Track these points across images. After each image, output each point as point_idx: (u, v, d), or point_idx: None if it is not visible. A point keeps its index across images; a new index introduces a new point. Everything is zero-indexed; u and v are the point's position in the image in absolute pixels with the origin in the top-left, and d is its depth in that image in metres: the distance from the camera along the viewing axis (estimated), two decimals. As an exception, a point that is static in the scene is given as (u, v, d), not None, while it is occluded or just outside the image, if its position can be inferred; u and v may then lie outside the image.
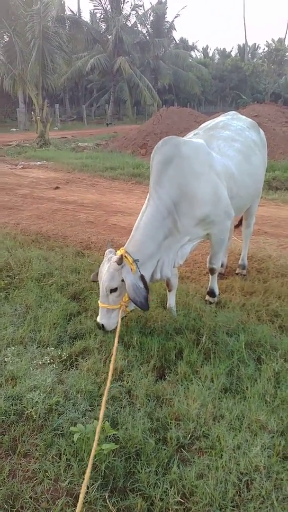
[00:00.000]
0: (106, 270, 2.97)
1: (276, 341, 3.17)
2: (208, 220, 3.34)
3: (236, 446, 2.19)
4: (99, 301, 3.06)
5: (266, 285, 4.18)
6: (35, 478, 2.08)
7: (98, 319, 3.07)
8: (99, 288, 3.09)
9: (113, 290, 2.98)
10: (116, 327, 2.99)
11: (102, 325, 3.04)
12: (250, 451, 2.14)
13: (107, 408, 2.48)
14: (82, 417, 2.38)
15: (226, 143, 3.70)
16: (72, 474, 2.05)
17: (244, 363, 2.91)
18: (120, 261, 2.93)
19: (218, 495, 1.93)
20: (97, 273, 3.11)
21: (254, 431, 2.31)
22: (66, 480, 2.02)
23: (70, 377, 2.75)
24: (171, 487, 2.00)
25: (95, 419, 2.31)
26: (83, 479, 2.02)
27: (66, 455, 2.13)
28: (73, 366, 2.94)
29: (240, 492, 1.97)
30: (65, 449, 2.16)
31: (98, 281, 3.11)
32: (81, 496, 1.69)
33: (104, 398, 2.23)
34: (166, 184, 3.12)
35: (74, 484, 2.02)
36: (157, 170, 3.14)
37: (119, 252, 3.03)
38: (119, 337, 3.16)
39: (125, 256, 2.98)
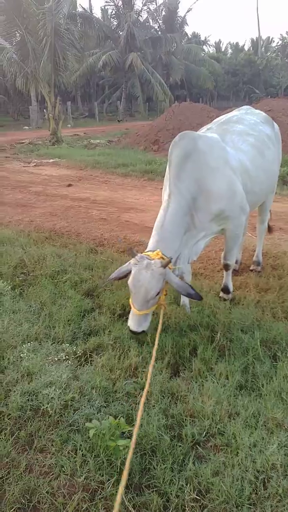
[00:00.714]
0: (150, 277, 2.75)
1: (292, 338, 3.13)
2: (223, 215, 3.31)
3: (252, 444, 2.17)
4: (136, 311, 2.84)
5: (281, 282, 4.13)
6: (51, 473, 2.09)
7: (135, 327, 2.87)
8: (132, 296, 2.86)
9: (156, 294, 2.87)
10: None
11: (142, 331, 2.90)
12: (266, 449, 2.12)
13: (121, 404, 2.49)
14: (97, 413, 2.39)
15: (240, 138, 3.67)
16: (88, 469, 2.06)
17: (260, 360, 2.88)
18: (166, 264, 2.82)
19: (234, 492, 1.92)
20: (105, 280, 2.99)
21: (270, 429, 2.29)
22: (82, 476, 2.03)
23: (85, 373, 2.76)
24: (186, 484, 1.99)
25: (110, 415, 2.31)
26: (99, 474, 2.03)
27: (82, 451, 2.14)
28: (88, 362, 2.95)
29: (256, 490, 1.95)
30: (80, 445, 2.17)
31: (104, 286, 3.06)
32: (118, 498, 1.64)
33: (142, 400, 2.14)
34: (186, 179, 3.09)
35: (90, 479, 2.02)
36: (176, 165, 3.11)
37: (154, 255, 2.86)
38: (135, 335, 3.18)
39: (162, 257, 2.88)
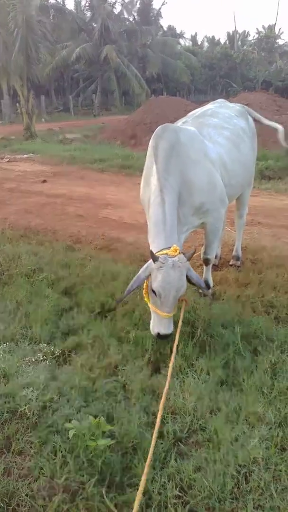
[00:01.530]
0: (179, 275, 2.72)
1: (272, 332, 3.15)
2: (204, 208, 3.30)
3: (234, 438, 2.18)
4: (166, 314, 2.76)
5: (261, 276, 4.16)
6: (30, 476, 2.04)
7: (167, 330, 2.80)
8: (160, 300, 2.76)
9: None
10: None
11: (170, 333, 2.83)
12: (248, 443, 2.13)
13: (102, 403, 2.45)
14: (77, 413, 2.34)
15: (216, 131, 3.67)
16: (68, 470, 2.02)
17: (240, 355, 2.90)
18: (191, 257, 2.80)
19: (216, 487, 1.92)
20: (122, 296, 2.89)
21: (251, 423, 2.31)
22: (62, 477, 1.99)
23: (63, 373, 2.71)
24: (169, 481, 1.98)
25: (90, 414, 2.28)
26: (80, 475, 2.00)
27: (61, 452, 2.10)
28: (67, 362, 2.90)
29: (239, 484, 1.96)
30: (60, 446, 2.13)
31: (123, 301, 2.99)
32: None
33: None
34: (172, 172, 3.04)
35: (71, 480, 1.99)
36: (164, 158, 3.05)
37: (172, 252, 2.76)
38: (115, 334, 3.15)
39: (180, 252, 2.81)
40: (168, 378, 2.32)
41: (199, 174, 3.22)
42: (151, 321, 2.93)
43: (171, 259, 2.72)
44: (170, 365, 2.42)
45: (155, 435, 1.99)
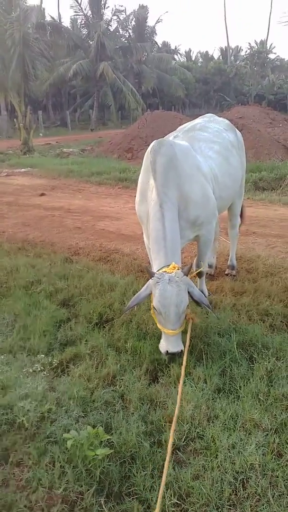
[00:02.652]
0: (177, 290, 2.70)
1: (268, 339, 3.18)
2: (199, 221, 3.33)
3: (231, 445, 2.19)
4: (170, 331, 2.76)
5: (256, 285, 4.20)
6: (29, 487, 2.04)
7: (175, 348, 2.78)
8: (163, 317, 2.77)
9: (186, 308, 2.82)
10: None
11: (181, 350, 2.80)
12: (245, 450, 2.15)
13: (100, 413, 2.47)
14: (75, 423, 2.35)
15: (206, 145, 3.73)
16: (66, 481, 2.03)
17: (237, 362, 2.91)
18: (188, 272, 2.80)
19: (214, 495, 1.93)
20: (123, 310, 2.92)
21: (248, 430, 2.32)
22: (60, 487, 1.99)
23: (61, 384, 2.72)
24: (167, 489, 1.99)
25: (88, 424, 2.29)
26: (78, 485, 2.00)
27: (60, 462, 2.10)
28: (65, 373, 2.91)
29: (236, 491, 1.97)
30: (58, 456, 2.13)
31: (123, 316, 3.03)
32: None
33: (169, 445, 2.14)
34: (171, 187, 3.05)
35: (69, 491, 1.99)
36: (162, 173, 3.05)
37: (170, 269, 2.76)
38: (113, 344, 3.18)
39: (179, 268, 2.80)
40: (178, 403, 2.30)
41: (194, 187, 3.25)
42: (161, 341, 2.93)
43: (168, 275, 2.72)
44: (179, 389, 2.39)
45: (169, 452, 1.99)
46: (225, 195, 3.79)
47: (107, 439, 2.21)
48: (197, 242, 3.61)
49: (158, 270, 2.82)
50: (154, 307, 2.81)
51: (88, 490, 1.98)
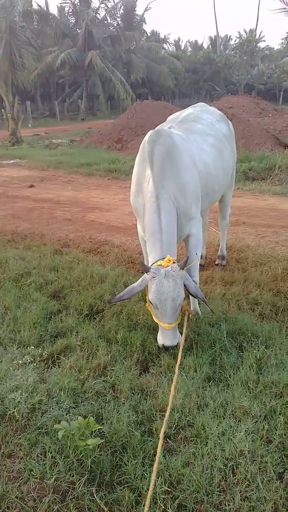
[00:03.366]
0: (173, 284, 2.67)
1: (257, 328, 3.21)
2: (189, 215, 3.19)
3: (221, 432, 2.22)
4: (167, 325, 2.76)
5: (246, 275, 4.23)
6: (20, 478, 2.05)
7: (171, 342, 2.80)
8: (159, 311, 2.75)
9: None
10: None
11: (177, 343, 2.81)
12: (234, 437, 2.17)
13: (91, 404, 2.47)
14: (66, 414, 2.36)
15: (201, 138, 3.64)
16: (58, 471, 2.04)
17: (227, 351, 2.94)
18: (184, 265, 2.76)
19: (204, 481, 1.95)
20: (111, 298, 2.85)
21: (238, 417, 2.35)
22: (52, 478, 2.01)
23: (52, 375, 2.72)
24: (158, 477, 2.01)
25: (79, 415, 2.29)
26: (70, 475, 2.02)
27: (51, 453, 2.11)
28: (55, 364, 2.91)
29: (226, 477, 2.00)
30: (50, 447, 2.14)
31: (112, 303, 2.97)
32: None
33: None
34: (168, 178, 2.98)
35: (61, 481, 2.00)
36: (160, 164, 2.96)
37: (166, 263, 2.72)
38: (103, 335, 3.18)
39: (174, 261, 2.77)
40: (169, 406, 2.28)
41: (189, 179, 3.17)
42: (158, 334, 2.93)
43: (164, 269, 2.69)
44: (172, 388, 2.38)
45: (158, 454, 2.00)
46: (217, 188, 3.76)
47: (98, 429, 2.22)
48: (187, 244, 3.38)
49: (153, 264, 2.79)
50: (150, 301, 2.79)
51: (80, 479, 2.00)
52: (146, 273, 2.74)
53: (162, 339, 2.85)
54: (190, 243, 3.31)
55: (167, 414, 2.21)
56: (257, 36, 45.70)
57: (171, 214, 2.93)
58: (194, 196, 3.23)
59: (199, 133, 3.68)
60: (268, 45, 51.07)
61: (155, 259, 2.82)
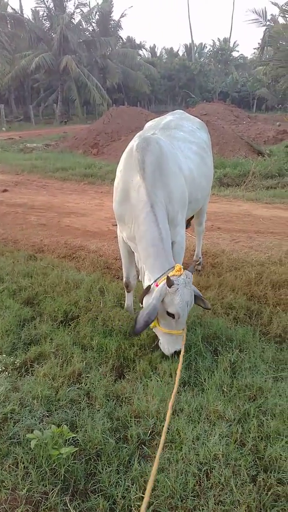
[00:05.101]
0: (191, 291, 2.72)
1: (231, 332, 3.25)
2: (175, 222, 3.16)
3: (195, 437, 2.23)
4: (180, 331, 2.80)
5: (221, 279, 4.28)
6: (-9, 490, 2.00)
7: (179, 345, 2.80)
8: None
9: None
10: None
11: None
12: (208, 441, 2.18)
13: (65, 412, 2.44)
14: (40, 423, 2.32)
15: (185, 145, 3.63)
16: (30, 481, 1.99)
17: (202, 355, 2.96)
18: (193, 272, 2.81)
19: (179, 486, 1.95)
20: (140, 324, 2.69)
21: (212, 421, 2.36)
22: (24, 488, 1.96)
23: (25, 384, 2.67)
24: (132, 484, 2.00)
25: (53, 423, 2.26)
26: (43, 485, 1.98)
27: (23, 463, 2.07)
28: (29, 372, 2.86)
29: (200, 482, 2.00)
30: (22, 457, 2.09)
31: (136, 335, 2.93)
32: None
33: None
34: (159, 185, 2.94)
35: (33, 491, 1.96)
36: (152, 172, 2.92)
37: (178, 272, 2.70)
38: (78, 342, 3.15)
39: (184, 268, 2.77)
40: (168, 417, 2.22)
41: (177, 186, 3.14)
42: (163, 343, 2.89)
43: (181, 278, 2.68)
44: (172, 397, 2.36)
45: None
46: (200, 196, 3.76)
47: (72, 437, 2.19)
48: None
49: (163, 275, 2.73)
50: (168, 314, 2.73)
51: (53, 489, 1.96)
52: (170, 287, 2.64)
53: (173, 346, 2.84)
54: (174, 250, 3.26)
55: (166, 421, 2.17)
56: (231, 45, 46.75)
57: (166, 221, 2.92)
58: (181, 204, 3.21)
59: (182, 140, 3.67)
60: (242, 54, 52.05)
61: (164, 269, 2.77)
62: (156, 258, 2.82)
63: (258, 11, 14.41)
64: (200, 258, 2.89)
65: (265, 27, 14.99)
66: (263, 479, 2.02)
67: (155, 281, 2.78)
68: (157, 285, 2.74)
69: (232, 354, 2.94)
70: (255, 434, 2.26)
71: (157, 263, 2.81)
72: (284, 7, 13.33)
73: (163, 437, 1.99)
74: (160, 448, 1.91)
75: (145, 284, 2.90)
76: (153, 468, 1.81)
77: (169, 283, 2.62)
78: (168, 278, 2.63)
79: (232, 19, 60.77)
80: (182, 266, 2.77)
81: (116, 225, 3.42)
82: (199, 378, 2.75)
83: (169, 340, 2.86)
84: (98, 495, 1.96)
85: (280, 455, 2.11)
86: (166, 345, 2.88)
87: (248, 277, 4.27)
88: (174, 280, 2.65)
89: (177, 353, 2.84)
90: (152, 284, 2.79)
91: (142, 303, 2.93)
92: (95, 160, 13.22)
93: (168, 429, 2.32)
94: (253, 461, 2.12)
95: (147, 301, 2.77)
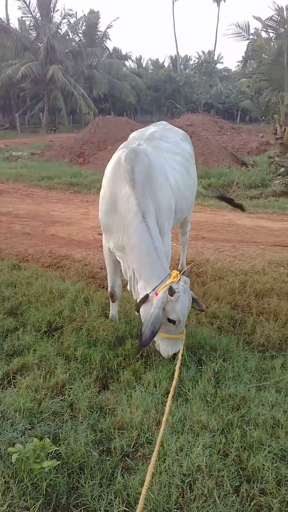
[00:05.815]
0: (189, 297, 2.75)
1: (215, 341, 3.26)
2: (162, 232, 3.15)
3: (179, 448, 2.22)
4: (180, 334, 2.83)
5: (205, 288, 4.30)
6: (-29, 507, 1.95)
7: (178, 347, 2.83)
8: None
9: None
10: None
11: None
12: (192, 452, 2.18)
13: (48, 424, 2.41)
14: (21, 436, 2.28)
15: (170, 156, 3.65)
16: (11, 496, 1.96)
17: (186, 365, 2.96)
18: (189, 275, 2.83)
19: (161, 499, 1.94)
20: (146, 336, 2.65)
21: (196, 432, 2.36)
22: (5, 504, 1.92)
23: (7, 396, 2.62)
24: (115, 498, 1.98)
25: (35, 437, 2.22)
26: (24, 500, 1.94)
27: (4, 478, 2.03)
28: (11, 384, 2.82)
29: (183, 494, 2.00)
30: (3, 471, 2.06)
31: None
32: None
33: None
34: (149, 196, 2.95)
35: (14, 506, 1.92)
36: (142, 182, 2.92)
37: (175, 278, 2.71)
38: (62, 352, 3.12)
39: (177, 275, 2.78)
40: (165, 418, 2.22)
41: (164, 197, 3.16)
42: (162, 347, 2.88)
43: (181, 285, 2.69)
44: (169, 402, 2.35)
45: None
46: (185, 207, 3.80)
47: (55, 450, 2.16)
48: None
49: (161, 283, 2.73)
50: (169, 320, 2.73)
51: (34, 504, 1.93)
52: (172, 295, 2.65)
53: (174, 348, 2.85)
54: None
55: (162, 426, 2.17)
56: (215, 58, 47.62)
57: (157, 231, 2.94)
58: (168, 214, 3.23)
59: (167, 151, 3.69)
60: (226, 67, 53.04)
61: (161, 278, 2.77)
62: (152, 267, 2.83)
63: (241, 25, 14.66)
64: (190, 267, 2.89)
65: (248, 41, 15.29)
66: (246, 489, 2.02)
67: (153, 290, 2.77)
68: (156, 294, 2.73)
69: (216, 363, 2.95)
70: (238, 444, 2.26)
71: (154, 272, 2.82)
72: (266, 22, 13.63)
73: (156, 448, 1.96)
74: (153, 462, 1.88)
75: (140, 294, 2.89)
76: (144, 484, 1.76)
77: (171, 292, 2.64)
78: (171, 287, 2.64)
79: (216, 32, 61.85)
80: (178, 272, 2.78)
81: (102, 234, 3.42)
82: (183, 388, 2.75)
83: (169, 343, 2.87)
84: (81, 510, 1.93)
85: (263, 465, 2.12)
86: (166, 349, 2.88)
87: (232, 286, 4.30)
88: (174, 287, 2.67)
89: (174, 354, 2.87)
90: (150, 293, 2.78)
91: (138, 312, 2.92)
92: (81, 169, 13.22)
93: (151, 440, 2.32)
94: (236, 471, 2.12)
95: (146, 310, 2.77)
